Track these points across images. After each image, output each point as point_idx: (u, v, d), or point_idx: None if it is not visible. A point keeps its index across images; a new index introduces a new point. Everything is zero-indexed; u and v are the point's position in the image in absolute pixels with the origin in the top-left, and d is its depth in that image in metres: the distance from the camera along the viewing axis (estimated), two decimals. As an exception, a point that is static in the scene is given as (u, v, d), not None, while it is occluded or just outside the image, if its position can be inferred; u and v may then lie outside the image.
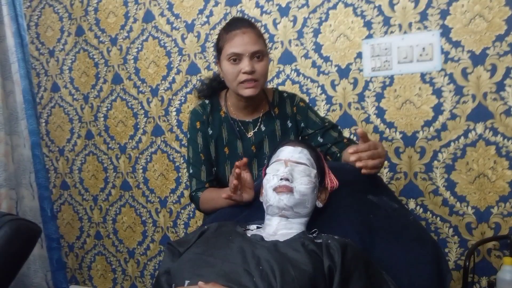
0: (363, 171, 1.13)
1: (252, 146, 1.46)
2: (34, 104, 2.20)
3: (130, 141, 2.47)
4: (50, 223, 2.24)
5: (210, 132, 1.47)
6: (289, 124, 1.48)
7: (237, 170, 1.19)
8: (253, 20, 2.05)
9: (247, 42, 1.31)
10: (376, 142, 1.18)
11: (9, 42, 2.16)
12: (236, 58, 1.32)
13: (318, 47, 1.96)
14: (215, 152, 1.48)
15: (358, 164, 1.13)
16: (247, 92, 1.35)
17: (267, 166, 1.20)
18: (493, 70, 1.66)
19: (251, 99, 1.40)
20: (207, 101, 1.50)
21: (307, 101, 1.73)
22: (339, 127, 1.49)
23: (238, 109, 1.47)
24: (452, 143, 1.74)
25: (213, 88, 1.51)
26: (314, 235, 1.07)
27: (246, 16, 2.09)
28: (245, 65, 1.31)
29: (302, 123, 1.48)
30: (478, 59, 1.68)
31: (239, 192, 1.25)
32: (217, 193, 1.39)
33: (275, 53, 2.05)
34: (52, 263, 2.25)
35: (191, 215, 2.33)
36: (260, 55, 1.34)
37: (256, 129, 1.46)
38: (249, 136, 1.46)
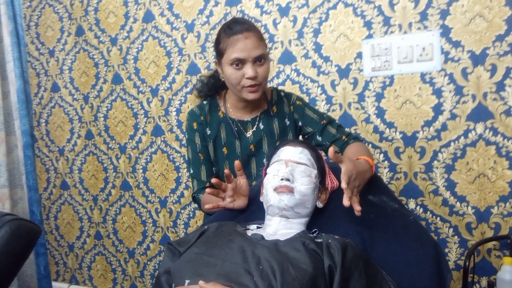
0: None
1: (251, 145, 1.46)
2: (28, 104, 2.16)
3: (130, 141, 2.47)
4: (39, 227, 2.22)
5: (208, 132, 1.47)
6: (287, 122, 1.48)
7: (226, 173, 1.20)
8: (253, 20, 2.07)
9: (250, 47, 1.31)
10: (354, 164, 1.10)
11: (5, 41, 2.15)
12: (239, 63, 1.32)
13: (318, 47, 1.96)
14: (214, 152, 1.48)
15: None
16: (251, 96, 1.36)
17: (268, 166, 1.20)
18: (493, 70, 1.66)
19: (253, 100, 1.40)
20: (205, 102, 1.50)
21: (307, 101, 1.73)
22: (337, 121, 1.47)
23: (237, 108, 1.47)
24: (452, 143, 1.74)
25: (211, 87, 1.50)
26: (314, 235, 1.07)
27: (246, 16, 2.08)
28: (248, 70, 1.32)
29: (300, 122, 1.48)
30: (478, 59, 1.68)
31: (229, 199, 1.25)
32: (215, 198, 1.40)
33: (275, 53, 2.05)
34: (39, 270, 2.16)
35: (191, 215, 2.33)
36: (263, 58, 1.34)
37: (254, 128, 1.47)
38: (248, 135, 1.46)
